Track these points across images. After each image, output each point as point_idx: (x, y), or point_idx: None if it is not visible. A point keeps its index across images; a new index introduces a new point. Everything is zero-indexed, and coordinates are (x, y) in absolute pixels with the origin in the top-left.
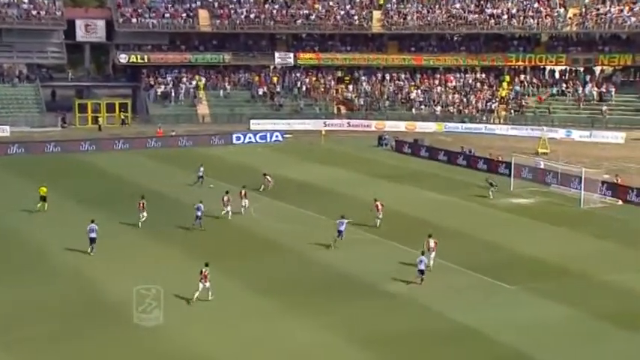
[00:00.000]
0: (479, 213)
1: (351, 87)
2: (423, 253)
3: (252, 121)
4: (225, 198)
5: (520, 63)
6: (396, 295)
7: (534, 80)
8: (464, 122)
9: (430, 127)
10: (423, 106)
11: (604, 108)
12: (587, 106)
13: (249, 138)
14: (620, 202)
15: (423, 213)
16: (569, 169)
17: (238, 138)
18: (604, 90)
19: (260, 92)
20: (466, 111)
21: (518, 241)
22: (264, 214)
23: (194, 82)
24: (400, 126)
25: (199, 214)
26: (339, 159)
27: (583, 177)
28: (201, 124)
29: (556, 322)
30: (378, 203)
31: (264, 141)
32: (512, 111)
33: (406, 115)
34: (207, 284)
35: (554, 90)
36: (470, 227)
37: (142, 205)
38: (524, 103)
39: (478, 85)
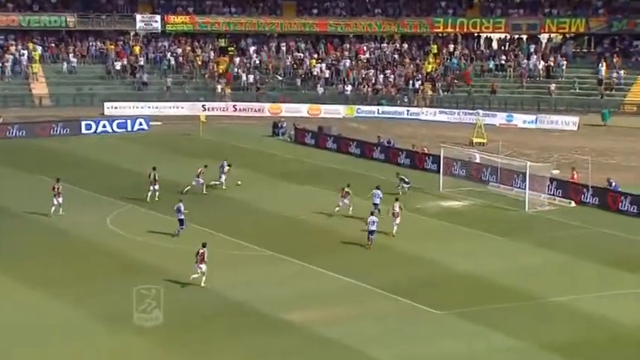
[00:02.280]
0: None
1: (237, 60)
2: (372, 214)
3: (106, 105)
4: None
5: (449, 30)
6: (298, 326)
7: (466, 52)
8: (381, 105)
9: (339, 111)
10: (329, 85)
11: (552, 86)
12: (531, 83)
13: (104, 127)
14: (574, 204)
15: (330, 220)
16: (511, 164)
17: (89, 126)
18: (552, 64)
19: (117, 67)
20: (383, 91)
21: (448, 255)
22: (124, 225)
23: (26, 53)
24: (301, 110)
25: (181, 217)
26: (222, 153)
27: (528, 173)
28: (38, 107)
29: (495, 355)
30: (347, 190)
31: (123, 130)
32: (440, 91)
33: (308, 96)
34: (204, 267)
35: (491, 64)
36: (389, 238)
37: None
38: (455, 81)
39: (398, 57)
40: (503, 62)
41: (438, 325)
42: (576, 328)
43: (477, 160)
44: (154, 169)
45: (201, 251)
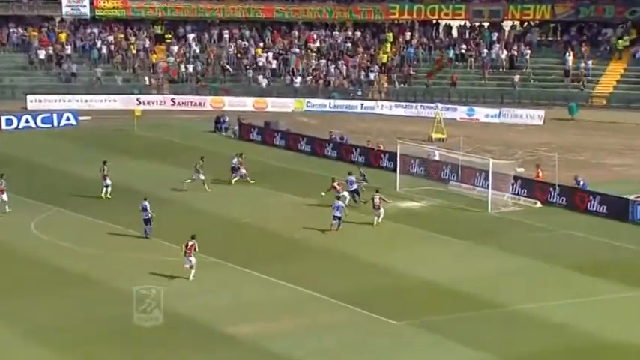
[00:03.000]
0: (353, 223)
1: (175, 49)
2: (338, 199)
3: (29, 98)
4: None
5: (406, 17)
6: (241, 340)
7: (424, 40)
8: (332, 98)
9: (287, 104)
10: (276, 77)
11: (516, 78)
12: (494, 75)
13: (27, 122)
14: (539, 205)
15: (275, 224)
16: (473, 161)
17: (9, 122)
18: (516, 53)
19: (41, 56)
20: (335, 83)
21: (406, 261)
22: (50, 230)
23: None
24: (246, 103)
25: (147, 216)
26: (159, 151)
27: (491, 171)
28: None
29: None
30: (335, 184)
31: (48, 125)
32: (396, 83)
33: (254, 89)
34: (193, 260)
35: (451, 54)
36: (342, 242)
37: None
38: (412, 72)
39: (351, 47)
40: (463, 52)
41: (396, 337)
42: (542, 338)
43: (437, 158)
44: (105, 163)
45: (190, 243)
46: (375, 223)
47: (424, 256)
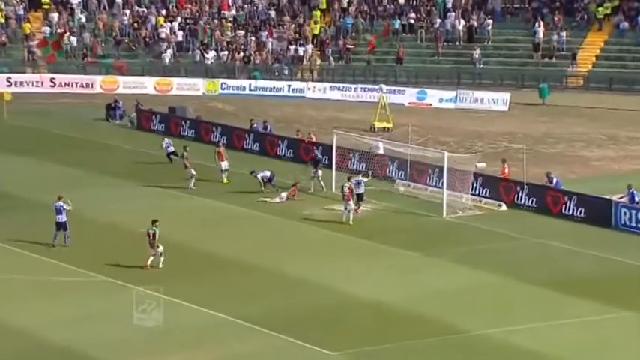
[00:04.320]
0: (277, 230)
1: (55, 17)
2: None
3: None
4: None
5: None
6: None
7: (365, 8)
8: (253, 79)
9: (196, 86)
10: (183, 51)
11: (476, 53)
12: (449, 49)
13: None
14: (504, 207)
15: (182, 234)
16: (425, 156)
17: None
18: (475, 23)
19: None
20: (257, 59)
21: (343, 276)
22: None
23: None
24: (145, 84)
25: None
26: (35, 144)
27: (446, 167)
28: None
29: None
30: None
31: None
32: (331, 59)
33: (155, 66)
34: (161, 248)
35: (397, 24)
36: (265, 254)
37: None
38: (349, 47)
39: (275, 15)
40: (412, 21)
41: None
42: None
43: (381, 151)
44: None
45: (151, 231)
46: (345, 219)
47: (365, 271)
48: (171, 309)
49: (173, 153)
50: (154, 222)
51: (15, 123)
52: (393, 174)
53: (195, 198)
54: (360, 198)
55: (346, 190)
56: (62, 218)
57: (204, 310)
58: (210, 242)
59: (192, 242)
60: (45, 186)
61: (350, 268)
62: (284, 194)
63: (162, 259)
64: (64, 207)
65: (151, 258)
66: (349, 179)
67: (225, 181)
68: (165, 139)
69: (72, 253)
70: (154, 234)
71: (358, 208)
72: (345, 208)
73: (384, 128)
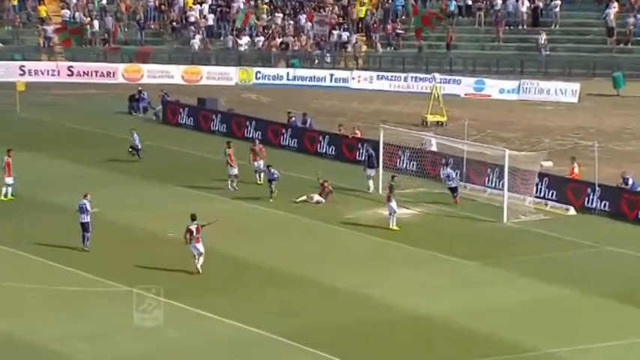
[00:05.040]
0: (318, 236)
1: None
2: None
3: None
4: None
5: None
6: None
7: None
8: (291, 67)
9: (228, 75)
10: (214, 37)
11: (542, 38)
12: (512, 34)
13: None
14: (573, 211)
15: (214, 239)
16: (483, 153)
17: None
18: (541, 5)
19: None
20: (296, 46)
21: (390, 288)
22: None
23: None
24: (173, 74)
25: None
26: (50, 140)
27: (507, 166)
28: None
29: None
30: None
31: None
32: (379, 46)
33: (183, 53)
34: (201, 247)
35: (453, 5)
36: (305, 263)
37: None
38: (399, 31)
39: None
40: (469, 3)
41: None
42: None
43: (433, 148)
44: (10, 151)
45: (192, 227)
46: (391, 224)
47: (417, 282)
48: (203, 324)
49: (134, 148)
50: (193, 218)
51: (28, 116)
52: (447, 173)
53: (228, 200)
54: (453, 190)
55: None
56: (85, 218)
57: (240, 325)
58: (246, 250)
59: (226, 250)
60: (60, 185)
61: (400, 279)
62: (316, 196)
63: (201, 260)
64: (88, 207)
65: (201, 260)
66: (393, 178)
67: (259, 181)
68: (135, 133)
69: (90, 260)
70: (197, 229)
71: (458, 199)
72: (389, 213)
73: (438, 122)
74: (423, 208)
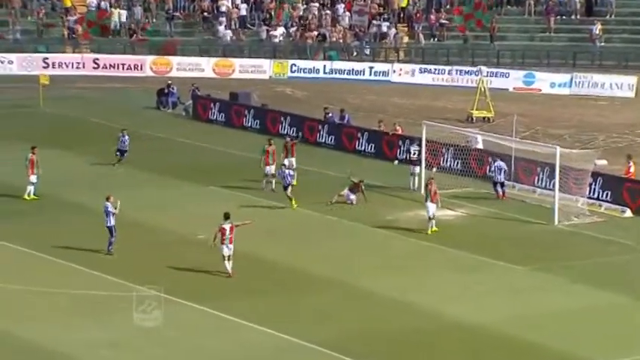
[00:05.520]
0: (355, 238)
1: None
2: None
3: None
4: None
5: None
6: None
7: None
8: (328, 60)
9: (262, 68)
10: (246, 28)
11: (596, 29)
12: (563, 24)
13: None
14: (629, 213)
15: (246, 241)
16: (533, 151)
17: None
18: None
19: None
20: (333, 37)
21: (433, 294)
22: None
23: None
24: (203, 66)
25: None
26: (74, 136)
27: (558, 165)
28: None
29: None
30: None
31: None
32: (422, 37)
33: (214, 45)
34: (232, 248)
35: None
36: (341, 267)
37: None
38: (443, 21)
39: None
40: None
41: None
42: None
43: (479, 146)
44: (35, 148)
45: (225, 226)
46: (431, 229)
47: (461, 288)
48: (234, 331)
49: (121, 151)
50: (226, 217)
51: (52, 111)
52: (494, 173)
53: (261, 201)
54: (501, 185)
55: (432, 187)
56: (109, 222)
57: (273, 332)
58: (279, 253)
59: (258, 252)
60: (85, 184)
61: (443, 284)
62: (345, 190)
63: (230, 263)
64: (111, 209)
65: (231, 262)
66: (430, 180)
67: (293, 182)
68: (126, 134)
69: (116, 263)
70: (231, 228)
71: (504, 194)
72: (428, 216)
73: (484, 118)
74: (467, 209)
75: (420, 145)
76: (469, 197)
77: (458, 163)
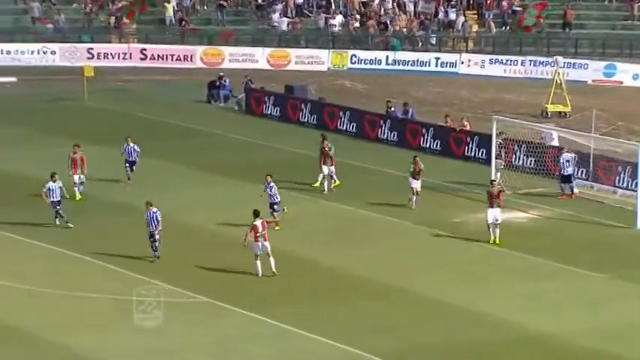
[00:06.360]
0: (425, 243)
1: None
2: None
3: None
4: None
5: None
6: None
7: None
8: (392, 49)
9: (320, 59)
10: (303, 16)
11: None
12: None
13: None
14: None
15: (300, 244)
16: (613, 149)
17: None
18: None
19: None
20: (396, 26)
21: (495, 304)
22: None
23: None
24: (257, 57)
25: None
26: (120, 131)
27: None
28: None
29: None
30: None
31: None
32: (492, 25)
33: (269, 34)
34: (268, 246)
35: None
36: (404, 273)
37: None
38: (516, 8)
39: None
40: None
41: None
42: None
43: (555, 142)
44: (77, 146)
45: (257, 223)
46: (493, 238)
47: (535, 297)
48: (290, 341)
49: (130, 163)
50: (256, 214)
51: (96, 105)
52: (571, 171)
53: (318, 201)
54: (568, 180)
55: (495, 190)
56: (154, 226)
57: (331, 342)
58: (336, 257)
59: (313, 256)
60: (135, 184)
61: (514, 293)
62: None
63: (272, 261)
64: (158, 216)
65: (272, 260)
66: (492, 182)
67: (336, 182)
68: (131, 142)
69: (163, 267)
70: (263, 224)
71: (572, 194)
72: (492, 222)
73: (560, 113)
74: (540, 210)
75: (503, 138)
76: (542, 198)
77: (531, 161)
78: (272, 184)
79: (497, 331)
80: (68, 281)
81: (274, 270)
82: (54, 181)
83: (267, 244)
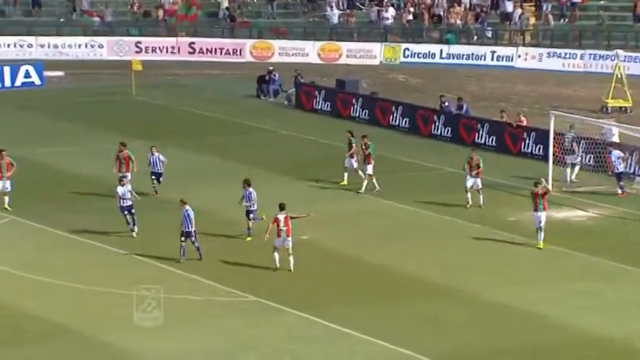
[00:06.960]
0: (480, 243)
1: None
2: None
3: None
4: None
5: None
6: None
7: None
8: (446, 43)
9: (372, 52)
10: (354, 9)
11: None
12: None
13: None
14: None
15: (354, 243)
16: None
17: None
18: None
19: None
20: (450, 18)
21: (551, 305)
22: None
23: None
24: (308, 51)
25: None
26: (169, 126)
27: None
28: None
29: None
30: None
31: None
32: (550, 18)
33: (320, 28)
34: (290, 242)
35: None
36: (457, 273)
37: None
38: (575, 0)
39: None
40: None
41: None
42: None
43: (615, 139)
44: (123, 145)
45: (280, 217)
46: (540, 242)
47: (595, 299)
48: (341, 341)
49: (157, 175)
50: (282, 207)
51: (145, 99)
52: (633, 170)
53: (368, 197)
54: (619, 178)
55: (540, 190)
56: (186, 227)
57: (383, 343)
58: (387, 255)
59: (363, 255)
60: (180, 181)
61: (574, 295)
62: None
63: (292, 260)
64: (192, 216)
65: (292, 258)
66: (536, 184)
67: (343, 182)
68: (156, 153)
69: (213, 266)
70: (285, 220)
71: (623, 193)
72: (537, 226)
73: (621, 108)
74: (600, 209)
75: (576, 133)
76: (603, 196)
77: (590, 158)
78: (251, 189)
79: (555, 333)
80: (116, 279)
81: (292, 268)
82: (122, 185)
83: (289, 240)
